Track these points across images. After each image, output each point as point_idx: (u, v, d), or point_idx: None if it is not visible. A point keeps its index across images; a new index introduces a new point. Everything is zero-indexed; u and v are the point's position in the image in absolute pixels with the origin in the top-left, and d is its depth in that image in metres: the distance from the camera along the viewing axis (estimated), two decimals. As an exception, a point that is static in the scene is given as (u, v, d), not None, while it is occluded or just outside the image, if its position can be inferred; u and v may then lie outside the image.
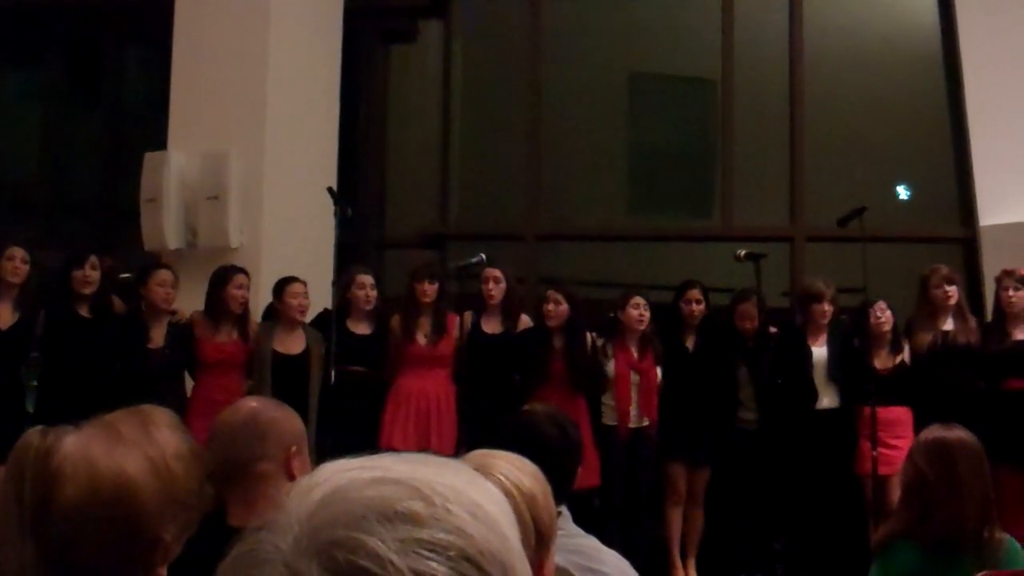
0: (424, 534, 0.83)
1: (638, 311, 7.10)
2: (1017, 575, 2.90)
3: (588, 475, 6.57)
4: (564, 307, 7.05)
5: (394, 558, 0.81)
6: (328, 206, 6.77)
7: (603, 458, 6.90)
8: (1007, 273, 7.00)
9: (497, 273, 7.13)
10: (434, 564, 0.82)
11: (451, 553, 0.83)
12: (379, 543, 0.81)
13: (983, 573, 2.83)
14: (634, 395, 7.09)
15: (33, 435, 1.71)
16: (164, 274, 6.86)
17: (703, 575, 7.28)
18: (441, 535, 0.84)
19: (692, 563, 7.30)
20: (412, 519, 0.84)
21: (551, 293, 7.12)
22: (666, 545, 7.25)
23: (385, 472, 0.88)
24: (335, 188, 7.04)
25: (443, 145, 9.45)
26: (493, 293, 7.11)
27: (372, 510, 0.84)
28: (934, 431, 3.57)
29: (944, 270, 7.18)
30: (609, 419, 7.09)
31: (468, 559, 0.84)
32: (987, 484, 3.46)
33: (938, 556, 3.35)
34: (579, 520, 2.90)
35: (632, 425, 7.07)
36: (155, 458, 1.73)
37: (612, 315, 7.21)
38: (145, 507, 1.68)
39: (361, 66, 9.29)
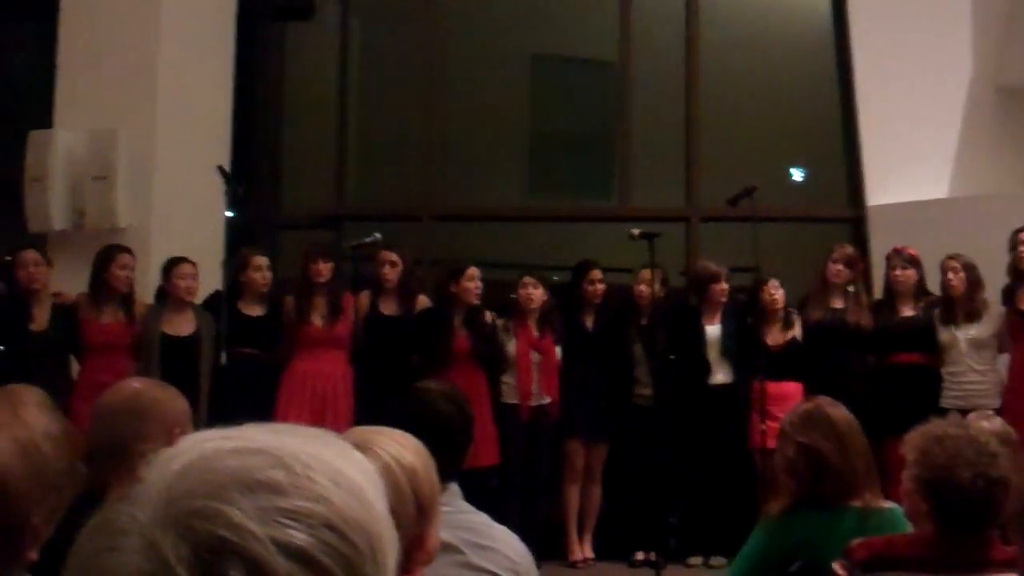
0: (285, 503, 0.82)
1: (526, 291, 7.15)
2: (897, 537, 2.97)
3: (487, 454, 6.62)
4: (540, 291, 7.12)
5: (253, 527, 0.80)
6: (220, 185, 6.66)
7: (503, 436, 6.93)
8: (896, 252, 7.18)
9: (393, 256, 7.10)
10: (295, 532, 0.81)
11: (312, 521, 0.83)
12: (238, 512, 0.80)
13: (861, 540, 2.88)
14: (535, 374, 7.13)
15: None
16: (29, 255, 6.66)
17: (599, 551, 7.36)
18: (302, 503, 0.83)
19: (589, 539, 7.38)
20: (273, 488, 0.83)
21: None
22: (563, 522, 7.31)
23: (247, 442, 0.87)
24: (227, 167, 6.93)
25: (340, 124, 9.34)
26: (389, 276, 7.07)
27: (232, 479, 0.83)
28: (795, 410, 3.67)
29: (848, 251, 7.36)
30: (509, 398, 7.12)
31: (330, 527, 0.83)
32: (865, 442, 3.55)
33: (830, 516, 3.43)
34: (477, 498, 2.90)
35: (532, 403, 7.11)
36: (23, 439, 1.68)
37: (513, 296, 7.24)
38: (13, 490, 1.63)
39: (256, 43, 9.12)
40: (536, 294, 7.17)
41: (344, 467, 0.89)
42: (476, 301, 7.05)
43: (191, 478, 0.83)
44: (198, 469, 0.84)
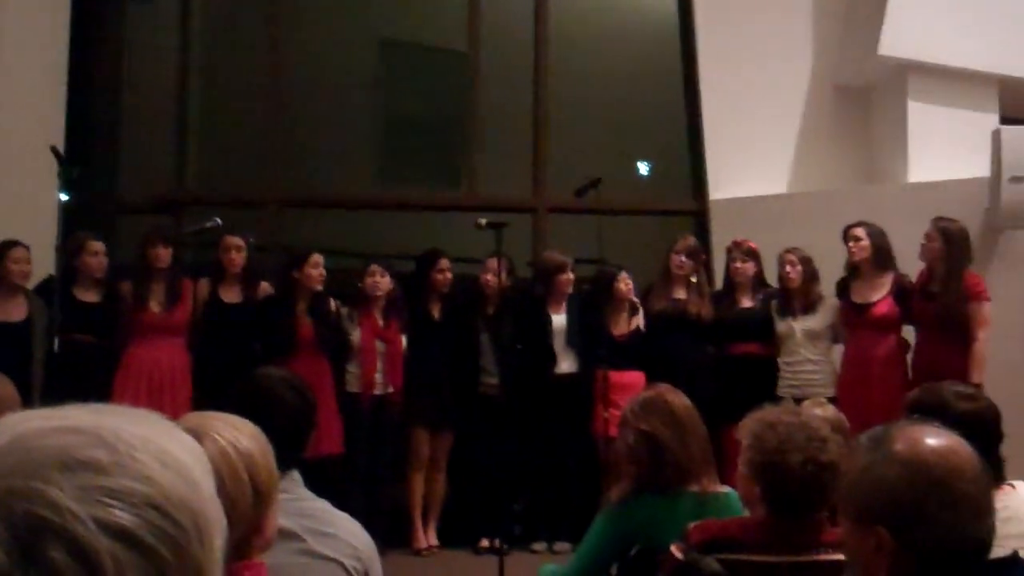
0: (107, 482, 0.81)
1: (373, 279, 7.12)
2: (731, 520, 3.05)
3: (331, 442, 6.57)
4: (387, 279, 7.12)
5: (73, 506, 0.79)
6: (53, 167, 6.44)
7: (346, 425, 6.89)
8: (735, 245, 7.38)
9: (239, 241, 6.98)
10: (117, 512, 0.80)
11: (135, 500, 0.82)
12: (58, 492, 0.79)
13: (698, 523, 2.95)
14: (379, 363, 7.10)
15: None
16: None
17: (444, 539, 7.38)
18: (125, 482, 0.82)
19: (433, 527, 7.38)
20: (94, 467, 0.82)
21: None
22: (408, 510, 7.30)
23: (68, 421, 0.86)
24: (62, 148, 6.70)
25: (180, 106, 9.11)
26: (235, 260, 6.96)
27: (52, 458, 0.81)
28: (637, 398, 3.77)
29: (690, 242, 7.51)
30: (353, 387, 7.08)
31: (154, 506, 0.82)
32: (704, 429, 3.65)
33: (669, 501, 3.51)
34: (321, 487, 2.88)
35: (377, 392, 7.08)
36: None
37: (360, 284, 7.18)
38: None
39: (94, 19, 8.80)
40: (383, 282, 7.14)
41: (169, 446, 0.88)
42: (319, 288, 6.98)
43: (9, 458, 0.82)
44: (17, 448, 0.82)
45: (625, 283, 7.31)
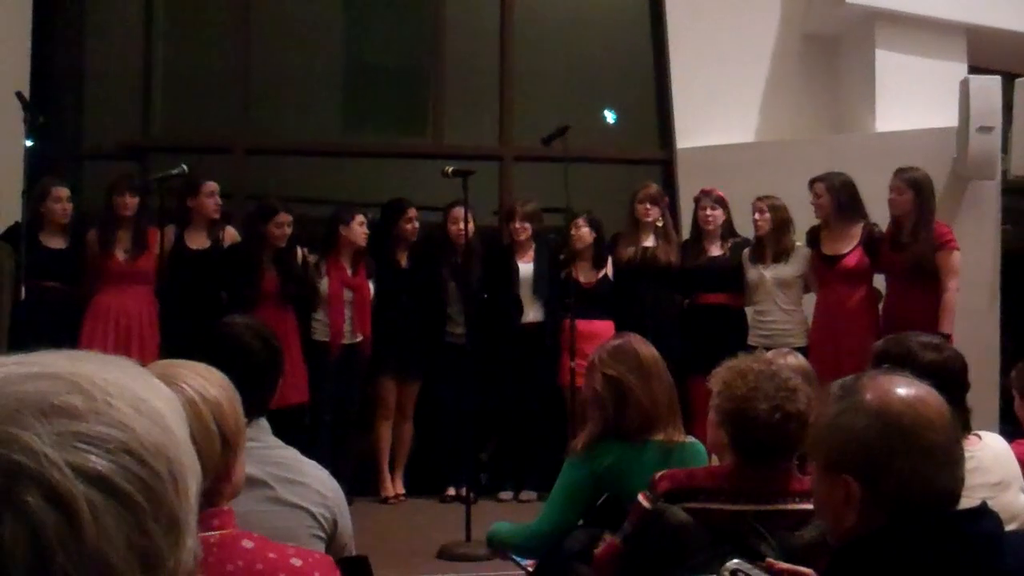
0: (82, 427, 0.81)
1: (361, 227, 7.11)
2: (698, 469, 3.08)
3: (297, 392, 6.56)
4: (364, 228, 7.18)
5: (49, 451, 0.79)
6: (18, 113, 6.35)
7: (313, 374, 6.88)
8: (705, 193, 7.35)
9: (215, 186, 6.96)
10: (93, 457, 0.80)
11: (110, 446, 0.82)
12: (34, 437, 0.79)
13: (664, 472, 2.97)
14: (347, 311, 7.08)
15: None
16: None
17: (411, 487, 7.42)
18: (101, 428, 0.82)
19: (400, 475, 7.42)
20: (70, 413, 0.82)
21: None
22: (375, 458, 7.32)
23: (43, 367, 0.86)
24: (27, 94, 6.60)
25: (146, 51, 8.98)
26: (210, 205, 6.95)
27: (27, 404, 0.81)
28: (605, 344, 3.80)
29: (652, 189, 7.47)
30: (320, 335, 7.07)
31: (129, 452, 0.82)
32: (670, 378, 3.68)
33: (633, 449, 3.54)
34: (289, 436, 2.89)
35: (345, 342, 7.07)
36: None
37: (340, 233, 7.11)
38: None
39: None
40: (362, 232, 7.13)
41: (144, 393, 0.88)
42: (282, 245, 6.92)
43: None
44: None
45: (578, 227, 7.20)
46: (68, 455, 0.79)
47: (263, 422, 2.74)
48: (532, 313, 7.39)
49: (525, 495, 7.25)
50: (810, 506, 2.48)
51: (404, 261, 7.40)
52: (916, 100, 8.01)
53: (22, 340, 6.03)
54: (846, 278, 6.78)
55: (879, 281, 6.90)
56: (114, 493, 0.80)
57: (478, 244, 7.36)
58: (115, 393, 0.84)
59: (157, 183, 6.71)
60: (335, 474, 2.87)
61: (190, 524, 0.87)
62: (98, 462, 0.80)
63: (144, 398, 0.87)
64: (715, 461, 3.48)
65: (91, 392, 0.83)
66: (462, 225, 7.06)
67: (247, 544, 2.04)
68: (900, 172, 6.74)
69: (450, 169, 6.52)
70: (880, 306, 6.83)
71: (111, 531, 0.79)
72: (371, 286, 7.22)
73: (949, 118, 7.71)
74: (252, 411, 2.35)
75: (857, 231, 6.84)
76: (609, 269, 7.38)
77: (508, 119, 8.89)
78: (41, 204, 6.62)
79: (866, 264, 6.78)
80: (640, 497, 2.98)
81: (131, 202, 6.75)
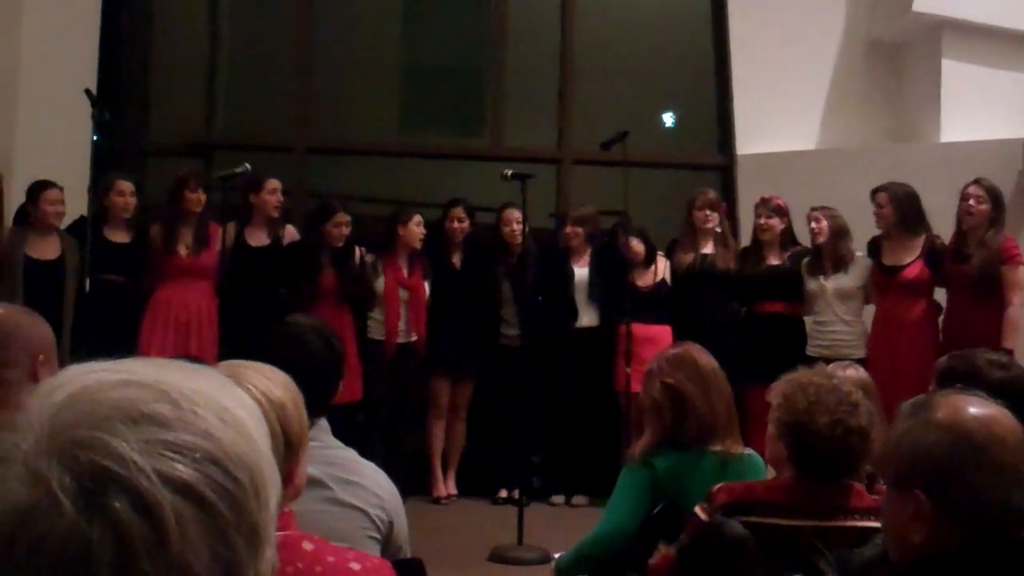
0: (170, 436, 0.82)
1: (421, 228, 7.14)
2: (756, 483, 3.05)
3: (351, 390, 6.59)
4: (421, 229, 7.21)
5: (137, 458, 0.80)
6: (86, 108, 6.44)
7: (368, 373, 6.91)
8: (763, 201, 7.28)
9: (278, 184, 7.02)
10: (179, 466, 0.81)
11: (197, 455, 0.83)
12: (122, 443, 0.80)
13: (722, 484, 2.95)
14: (403, 311, 7.11)
15: None
16: None
17: (463, 487, 7.42)
18: (187, 437, 0.83)
19: (452, 475, 7.43)
20: (158, 421, 0.83)
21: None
22: (428, 458, 7.34)
23: (132, 375, 0.87)
24: (94, 91, 6.69)
25: (211, 51, 9.08)
26: (273, 202, 7.02)
27: (117, 411, 0.83)
28: (664, 352, 3.78)
29: (710, 195, 7.42)
30: (375, 334, 7.11)
31: (214, 461, 0.83)
32: (728, 389, 3.65)
33: (691, 458, 3.52)
34: (342, 434, 2.89)
35: (400, 341, 7.10)
36: None
37: (398, 232, 7.14)
38: None
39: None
40: (419, 232, 7.16)
41: (228, 403, 0.89)
42: (340, 245, 6.97)
43: (75, 408, 0.83)
44: (82, 400, 0.84)
45: (631, 247, 7.18)
46: (156, 463, 0.80)
47: (323, 422, 2.75)
48: (587, 317, 7.37)
49: (577, 499, 7.24)
50: (871, 524, 2.45)
51: (457, 262, 7.41)
52: (982, 110, 7.89)
53: (85, 333, 6.13)
54: (906, 289, 6.67)
55: (940, 295, 6.80)
56: (199, 502, 0.81)
57: (533, 246, 7.38)
58: (201, 402, 0.86)
59: (221, 181, 6.78)
60: (387, 472, 2.87)
61: (270, 535, 0.87)
62: (184, 471, 0.81)
63: (228, 408, 0.88)
64: (771, 473, 3.45)
65: (178, 401, 0.84)
66: (514, 226, 7.06)
67: (307, 546, 2.05)
68: (981, 181, 6.57)
69: (509, 172, 6.53)
70: (940, 319, 6.72)
71: (195, 540, 0.80)
72: (426, 287, 7.24)
73: (1016, 129, 7.59)
74: (313, 412, 2.36)
75: (919, 243, 6.72)
76: (667, 273, 7.34)
77: (567, 122, 8.88)
78: (105, 198, 6.71)
79: (927, 276, 6.67)
80: (697, 509, 2.96)
81: (201, 198, 6.84)
